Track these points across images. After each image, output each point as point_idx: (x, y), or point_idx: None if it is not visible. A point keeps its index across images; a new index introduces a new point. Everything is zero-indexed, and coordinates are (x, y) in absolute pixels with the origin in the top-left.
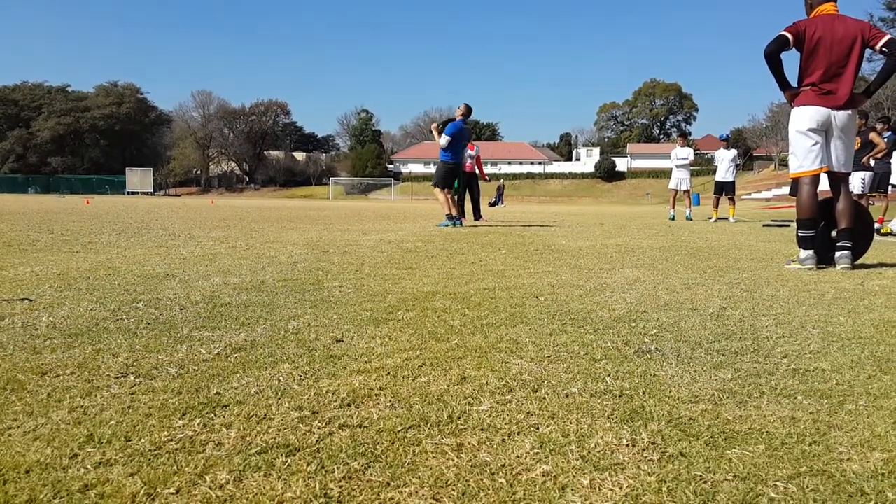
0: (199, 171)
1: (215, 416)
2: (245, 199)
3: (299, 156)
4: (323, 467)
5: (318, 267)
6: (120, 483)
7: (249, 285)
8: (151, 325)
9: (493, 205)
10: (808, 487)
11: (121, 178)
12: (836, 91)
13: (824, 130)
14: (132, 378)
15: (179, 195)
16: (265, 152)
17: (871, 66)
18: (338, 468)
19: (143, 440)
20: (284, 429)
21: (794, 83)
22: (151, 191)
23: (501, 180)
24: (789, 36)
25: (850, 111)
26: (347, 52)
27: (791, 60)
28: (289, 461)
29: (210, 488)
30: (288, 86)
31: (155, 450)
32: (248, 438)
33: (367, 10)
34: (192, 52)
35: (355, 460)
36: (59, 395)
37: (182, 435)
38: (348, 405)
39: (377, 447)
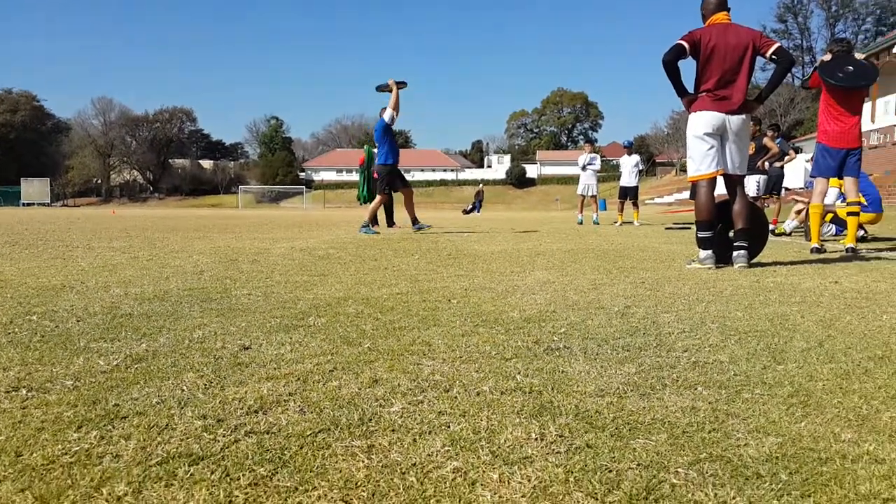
0: (99, 181)
1: (113, 427)
2: (149, 208)
3: (206, 164)
4: (228, 475)
5: (226, 275)
6: (10, 500)
7: (152, 295)
8: (46, 338)
9: (468, 212)
10: (707, 472)
11: (16, 189)
12: (730, 97)
13: (720, 135)
14: (24, 392)
15: (79, 206)
16: (170, 160)
17: (766, 75)
18: (243, 475)
19: (35, 455)
20: (187, 438)
21: (691, 90)
22: (48, 202)
23: (481, 185)
24: (685, 45)
25: (743, 116)
26: (255, 59)
27: (688, 68)
28: (191, 470)
29: (107, 501)
30: (194, 92)
31: (48, 464)
32: (148, 449)
33: (274, 16)
34: (91, 59)
35: (262, 466)
36: None
37: (77, 448)
38: (255, 412)
39: (285, 452)
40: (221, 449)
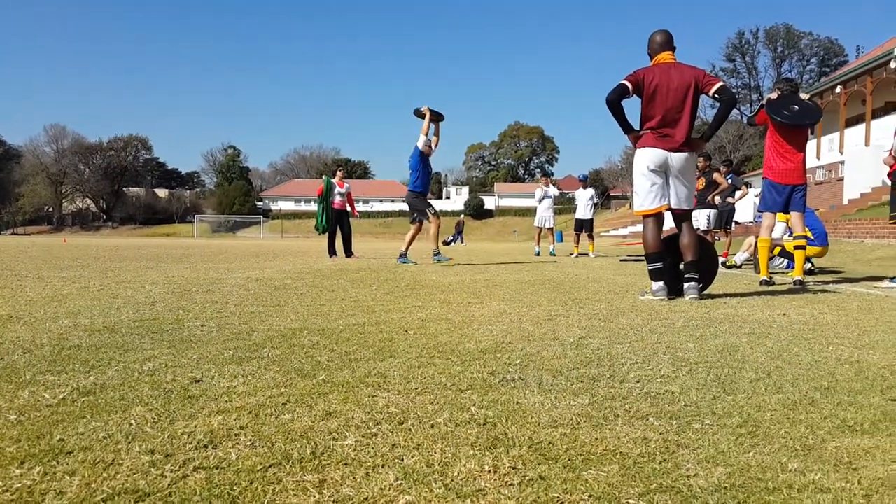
0: (50, 209)
1: (58, 463)
2: (102, 237)
3: (161, 192)
4: None
5: (179, 306)
6: None
7: (102, 326)
8: None
9: (448, 243)
10: (658, 503)
11: None
12: (672, 135)
13: (663, 171)
14: None
15: (29, 234)
16: (124, 189)
17: (714, 112)
18: None
19: None
20: (134, 474)
21: (638, 127)
22: None
23: (461, 216)
24: (628, 84)
25: (686, 153)
26: (212, 87)
27: (635, 106)
28: None
29: None
30: (149, 120)
31: None
32: (93, 486)
33: (232, 44)
34: (44, 85)
35: (210, 502)
36: None
37: (19, 485)
38: (205, 446)
39: (234, 488)
40: (169, 485)
